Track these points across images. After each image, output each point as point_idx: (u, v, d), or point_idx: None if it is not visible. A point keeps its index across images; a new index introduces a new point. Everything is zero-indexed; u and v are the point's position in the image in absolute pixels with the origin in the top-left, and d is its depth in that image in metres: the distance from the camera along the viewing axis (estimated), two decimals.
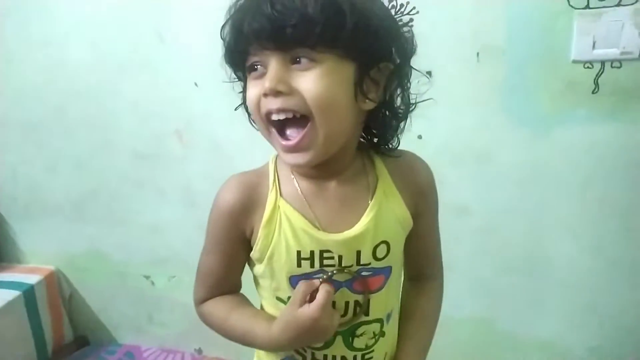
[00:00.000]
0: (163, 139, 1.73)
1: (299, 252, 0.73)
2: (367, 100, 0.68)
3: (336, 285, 0.74)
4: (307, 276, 0.74)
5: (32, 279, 1.86)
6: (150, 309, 2.01)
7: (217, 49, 0.72)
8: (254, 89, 0.67)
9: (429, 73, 1.40)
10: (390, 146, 0.78)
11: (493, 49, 1.37)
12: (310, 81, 0.63)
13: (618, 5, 1.26)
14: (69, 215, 1.94)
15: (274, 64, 0.64)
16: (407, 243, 0.82)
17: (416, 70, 0.73)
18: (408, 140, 1.40)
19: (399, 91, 0.72)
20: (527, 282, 1.55)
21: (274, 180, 0.75)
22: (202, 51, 1.34)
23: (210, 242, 0.81)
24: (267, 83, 0.63)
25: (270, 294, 0.79)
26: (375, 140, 0.78)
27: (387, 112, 0.73)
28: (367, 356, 0.80)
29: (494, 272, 1.57)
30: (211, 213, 0.79)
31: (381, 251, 0.75)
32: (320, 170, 0.73)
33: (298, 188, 0.75)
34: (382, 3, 0.70)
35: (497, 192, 1.49)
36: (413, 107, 0.74)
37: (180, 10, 1.59)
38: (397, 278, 0.83)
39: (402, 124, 0.76)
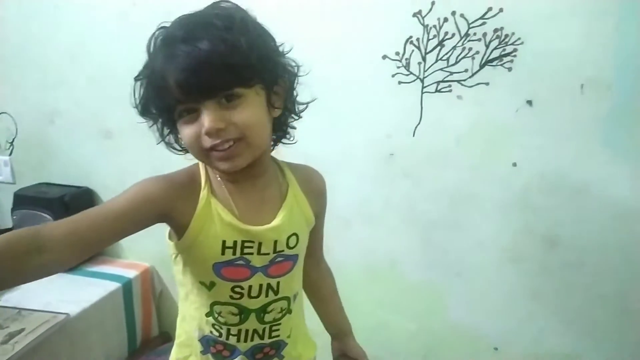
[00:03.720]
0: None
1: (224, 242, 0.87)
2: (275, 109, 0.86)
3: (253, 271, 0.90)
4: (228, 263, 0.88)
5: (130, 273, 1.99)
6: None
7: None
8: (190, 129, 0.79)
9: (529, 102, 1.40)
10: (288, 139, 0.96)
11: (599, 83, 1.34)
12: (241, 114, 0.78)
13: None
14: None
15: (208, 110, 0.77)
16: (310, 235, 1.02)
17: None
18: (501, 167, 1.43)
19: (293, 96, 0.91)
20: (617, 318, 1.49)
21: (206, 181, 0.89)
22: None
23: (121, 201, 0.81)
24: (208, 125, 0.76)
25: (194, 279, 0.91)
26: (279, 136, 0.95)
27: (286, 113, 0.91)
28: (274, 328, 0.97)
29: (584, 306, 1.52)
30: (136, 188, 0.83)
31: (292, 241, 0.93)
32: (243, 174, 0.86)
33: (225, 190, 0.89)
34: (268, 37, 0.85)
35: (592, 226, 1.45)
36: (304, 107, 0.94)
37: None
38: (301, 265, 1.00)
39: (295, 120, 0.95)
